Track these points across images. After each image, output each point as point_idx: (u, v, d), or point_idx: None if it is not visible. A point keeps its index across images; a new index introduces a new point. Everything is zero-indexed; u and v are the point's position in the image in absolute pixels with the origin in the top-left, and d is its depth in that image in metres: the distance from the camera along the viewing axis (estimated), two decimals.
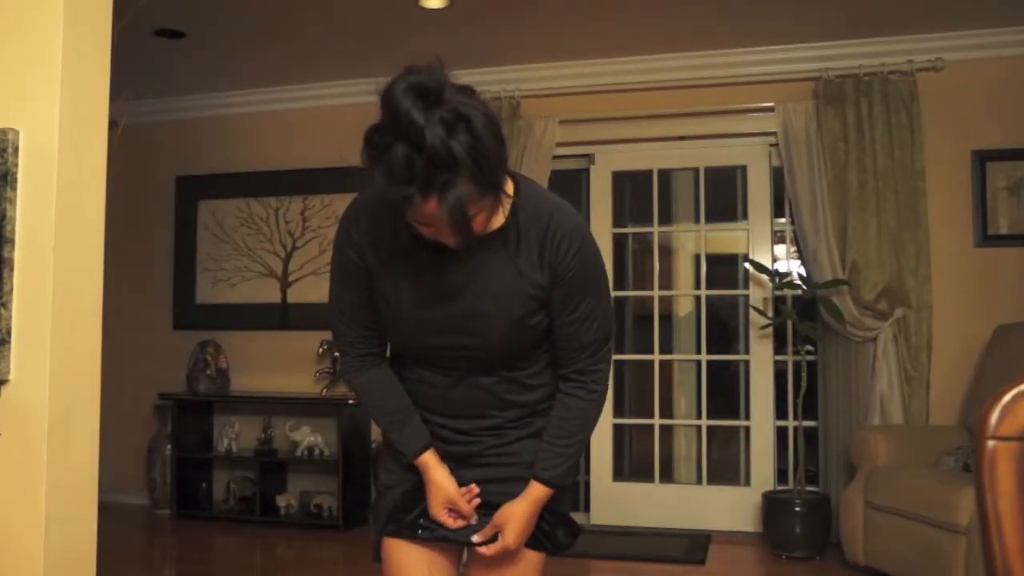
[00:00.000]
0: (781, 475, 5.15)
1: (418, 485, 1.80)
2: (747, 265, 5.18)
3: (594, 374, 1.73)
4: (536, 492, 1.73)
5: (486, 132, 1.40)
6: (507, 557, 1.76)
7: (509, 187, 1.62)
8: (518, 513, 1.73)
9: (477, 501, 1.76)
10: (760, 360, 5.20)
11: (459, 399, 1.74)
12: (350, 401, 5.36)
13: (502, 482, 1.76)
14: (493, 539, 1.75)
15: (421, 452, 1.77)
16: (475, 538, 1.75)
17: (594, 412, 1.76)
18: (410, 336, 1.72)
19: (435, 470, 1.76)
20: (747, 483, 5.20)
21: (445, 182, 1.39)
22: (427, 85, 1.39)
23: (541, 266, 1.64)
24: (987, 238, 4.80)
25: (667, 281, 5.77)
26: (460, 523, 1.76)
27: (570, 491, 1.86)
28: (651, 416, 5.44)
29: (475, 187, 1.41)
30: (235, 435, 5.76)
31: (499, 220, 1.60)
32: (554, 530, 1.81)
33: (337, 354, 1.85)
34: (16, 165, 1.84)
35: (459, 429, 1.76)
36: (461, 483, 1.77)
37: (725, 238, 5.61)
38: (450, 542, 1.80)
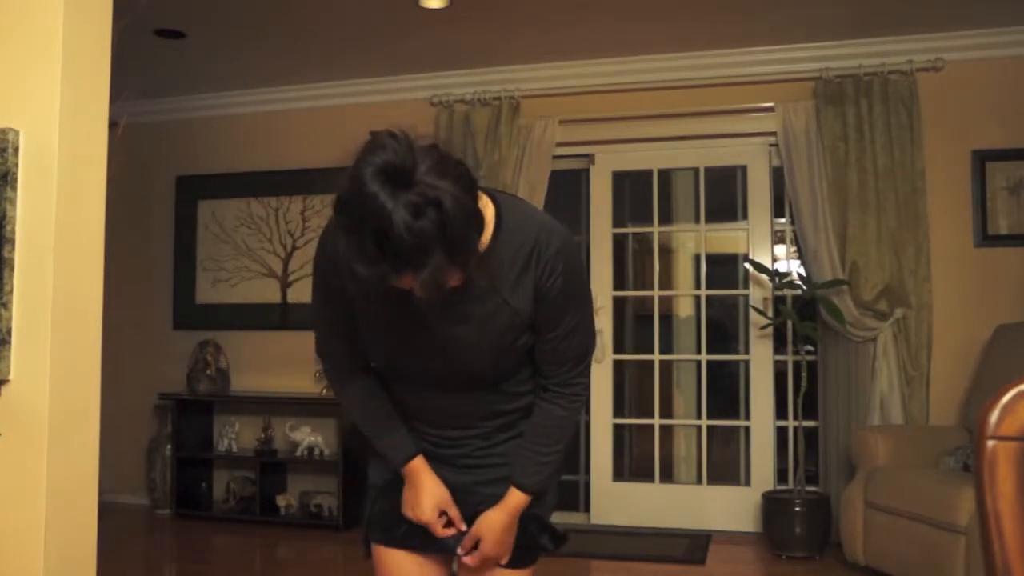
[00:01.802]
0: (781, 475, 5.15)
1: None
2: (747, 265, 5.18)
3: (574, 387, 1.73)
4: (515, 499, 1.73)
5: (456, 212, 1.36)
6: (495, 564, 1.77)
7: (490, 208, 1.59)
8: (496, 522, 1.73)
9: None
10: (760, 360, 5.20)
11: (446, 412, 1.75)
12: None
13: (493, 483, 1.76)
14: (476, 548, 1.76)
15: (408, 461, 1.77)
16: (459, 550, 1.76)
17: (572, 423, 1.77)
18: (393, 360, 1.73)
19: (426, 476, 1.76)
20: (747, 483, 5.20)
21: (418, 263, 1.36)
22: (396, 165, 1.34)
23: (529, 288, 1.63)
24: (987, 238, 4.80)
25: (667, 281, 5.77)
26: (449, 531, 1.76)
27: (553, 499, 1.86)
28: (651, 416, 5.44)
29: (448, 260, 1.38)
30: (235, 435, 5.76)
31: (482, 244, 1.56)
32: (539, 538, 1.82)
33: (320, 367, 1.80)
34: (16, 165, 1.84)
35: (446, 437, 1.77)
36: (456, 487, 1.77)
37: (725, 238, 5.61)
38: (437, 551, 1.81)
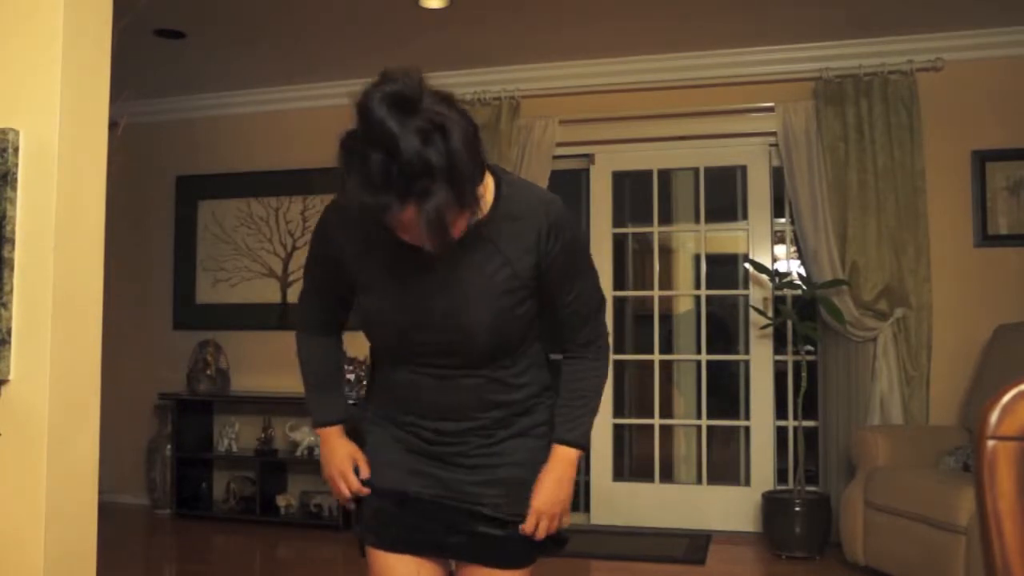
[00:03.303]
0: (781, 475, 5.15)
1: (396, 492, 1.78)
2: (747, 265, 5.18)
3: (599, 339, 1.81)
4: (561, 454, 1.76)
5: (462, 142, 1.40)
6: (558, 527, 1.78)
7: (489, 180, 1.64)
8: (546, 480, 1.75)
9: (365, 474, 1.81)
10: (760, 360, 5.20)
11: (443, 402, 1.73)
12: (351, 401, 5.35)
13: (490, 484, 1.73)
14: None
15: (329, 424, 1.86)
16: (523, 528, 1.74)
17: (604, 372, 1.82)
18: (393, 332, 1.71)
19: (339, 439, 1.85)
20: (747, 483, 5.20)
21: (423, 190, 1.39)
22: (403, 94, 1.39)
23: (530, 254, 1.66)
24: (987, 238, 4.80)
25: (667, 281, 5.77)
26: (347, 494, 1.81)
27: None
28: (651, 416, 5.44)
29: (452, 195, 1.41)
30: (235, 435, 5.76)
31: (482, 212, 1.62)
32: (543, 542, 1.79)
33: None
34: (16, 165, 1.84)
35: (443, 431, 1.74)
36: (451, 486, 1.74)
37: (725, 238, 5.61)
38: (433, 552, 1.78)
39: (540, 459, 1.78)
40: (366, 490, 1.79)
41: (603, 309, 1.83)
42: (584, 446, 1.79)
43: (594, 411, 1.81)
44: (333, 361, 1.90)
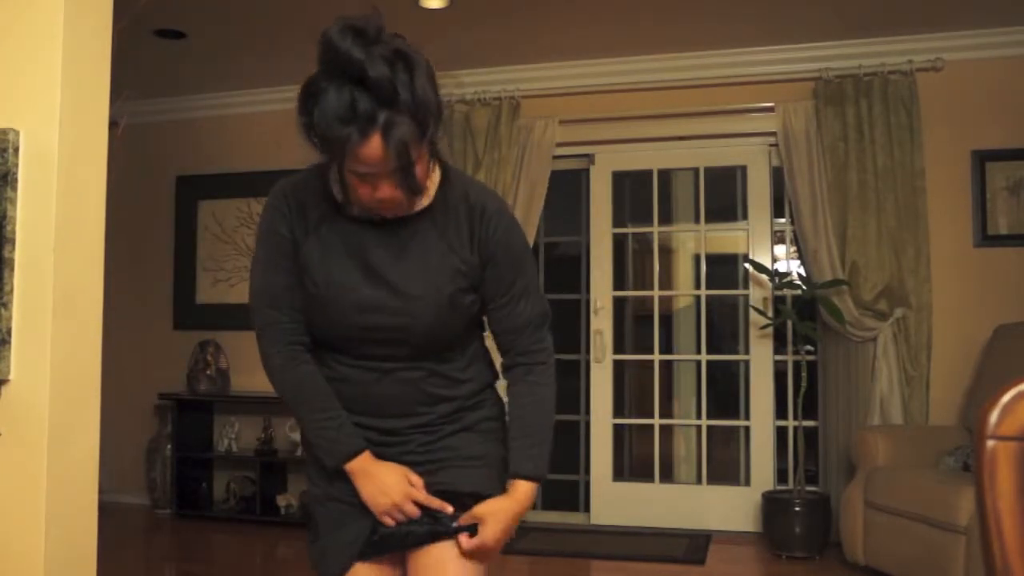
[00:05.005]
0: (781, 475, 5.15)
1: (348, 502, 1.72)
2: (747, 265, 5.18)
3: (539, 353, 1.73)
4: (522, 489, 1.68)
5: (423, 73, 1.44)
6: (487, 559, 1.71)
7: (436, 166, 1.65)
8: (502, 509, 1.67)
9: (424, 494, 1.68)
10: (760, 360, 5.20)
11: (385, 396, 1.69)
12: None
13: (436, 473, 1.70)
14: (472, 531, 1.67)
15: (357, 454, 1.68)
16: (458, 527, 1.66)
17: (550, 394, 1.74)
18: (337, 318, 1.65)
19: (378, 463, 1.68)
20: (747, 483, 5.20)
21: (388, 120, 1.41)
22: (363, 26, 1.42)
23: (471, 244, 1.66)
24: (987, 238, 4.80)
25: (667, 281, 5.77)
26: (416, 512, 1.67)
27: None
28: (651, 416, 5.44)
29: (416, 128, 1.43)
30: (235, 435, 5.77)
31: (427, 199, 1.63)
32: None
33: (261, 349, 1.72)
34: (16, 165, 1.84)
35: (387, 429, 1.70)
36: None
37: (725, 238, 5.61)
38: (391, 555, 1.73)
39: (492, 451, 1.75)
40: (437, 501, 1.68)
41: (546, 323, 1.75)
42: (542, 478, 1.71)
43: (550, 436, 1.72)
44: (324, 383, 1.70)
